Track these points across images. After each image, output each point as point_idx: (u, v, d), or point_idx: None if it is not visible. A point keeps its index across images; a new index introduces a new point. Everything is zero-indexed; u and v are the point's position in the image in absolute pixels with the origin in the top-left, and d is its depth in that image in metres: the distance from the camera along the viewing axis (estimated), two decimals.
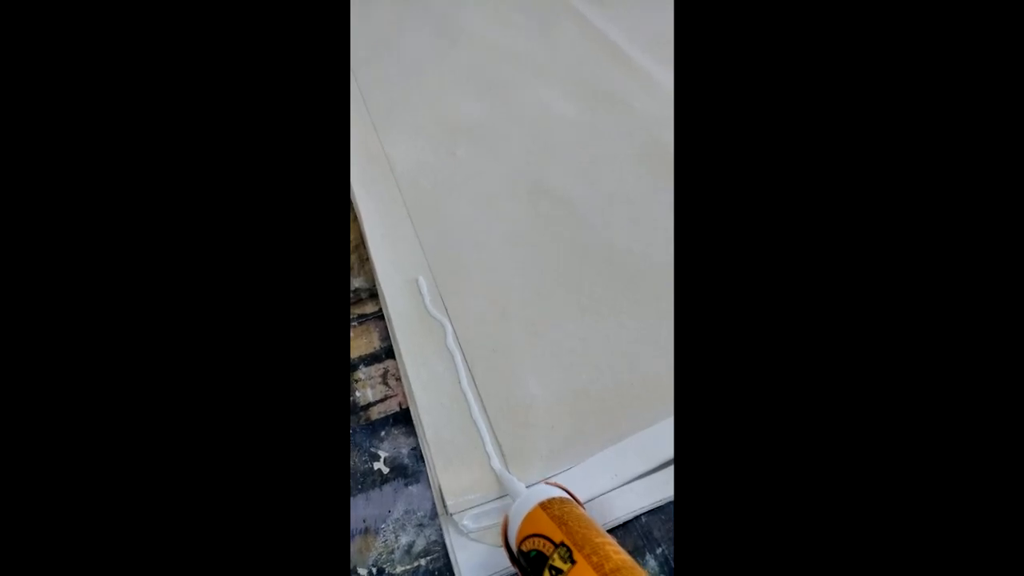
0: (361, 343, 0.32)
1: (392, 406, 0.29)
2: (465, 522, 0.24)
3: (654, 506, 0.25)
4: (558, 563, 0.19)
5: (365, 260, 0.35)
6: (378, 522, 0.25)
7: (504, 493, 0.24)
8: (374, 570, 0.24)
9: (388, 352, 0.31)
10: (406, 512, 0.25)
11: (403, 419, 0.28)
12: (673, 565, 0.23)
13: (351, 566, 0.24)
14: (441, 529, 0.25)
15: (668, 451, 0.26)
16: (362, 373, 0.30)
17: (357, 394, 0.30)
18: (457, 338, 0.31)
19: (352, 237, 0.37)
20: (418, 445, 0.27)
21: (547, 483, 0.23)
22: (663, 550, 0.24)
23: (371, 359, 0.31)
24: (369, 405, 0.29)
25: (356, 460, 0.27)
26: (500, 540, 0.22)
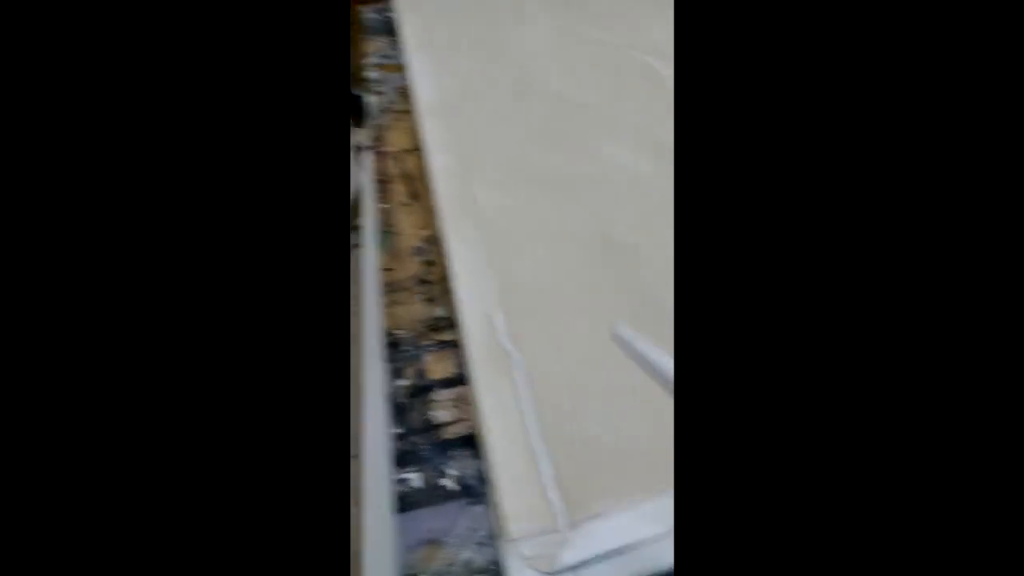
0: (439, 367, 0.35)
1: (462, 429, 0.32)
2: (524, 549, 0.26)
3: None
4: None
5: (448, 292, 0.39)
6: (442, 535, 0.28)
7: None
8: None
9: (462, 378, 0.34)
10: (469, 530, 0.28)
11: (472, 442, 0.31)
12: None
13: (414, 573, 0.26)
14: (501, 551, 0.27)
15: None
16: (438, 395, 0.33)
17: (432, 413, 0.33)
18: (526, 372, 0.33)
19: (439, 270, 0.41)
20: (484, 468, 0.30)
21: None
22: None
23: (447, 383, 0.34)
24: (442, 425, 0.32)
25: (428, 475, 0.30)
26: None
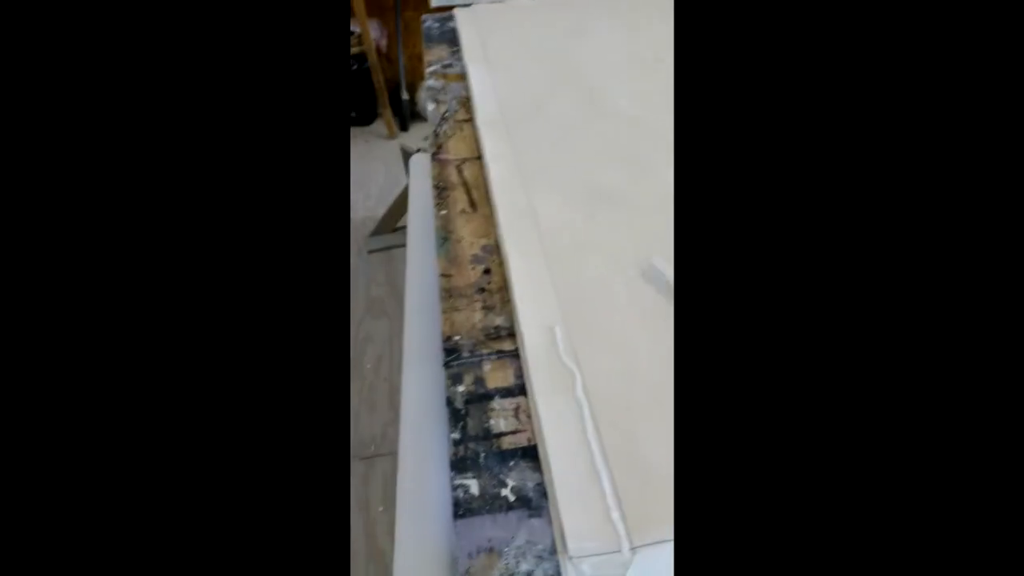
0: (498, 376, 0.35)
1: (521, 440, 0.32)
2: (584, 567, 0.26)
3: None
4: None
5: (507, 302, 0.39)
6: (501, 545, 0.28)
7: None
8: None
9: (521, 389, 0.34)
10: (528, 542, 0.28)
11: (531, 454, 0.31)
12: None
13: None
14: (559, 566, 0.27)
15: None
16: (496, 404, 0.34)
17: (491, 422, 0.33)
18: (586, 389, 0.33)
19: (498, 279, 0.41)
20: (543, 481, 0.30)
21: None
22: None
23: (505, 392, 0.34)
24: (501, 434, 0.32)
25: (486, 483, 0.30)
26: None
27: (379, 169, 1.54)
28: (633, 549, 0.26)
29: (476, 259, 0.43)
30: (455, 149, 0.54)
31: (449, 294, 0.40)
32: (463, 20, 0.73)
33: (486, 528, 0.28)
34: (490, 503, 0.29)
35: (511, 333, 0.38)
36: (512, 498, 0.29)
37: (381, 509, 0.89)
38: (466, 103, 0.60)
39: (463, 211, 0.47)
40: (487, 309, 0.39)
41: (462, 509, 0.29)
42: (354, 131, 1.70)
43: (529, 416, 0.33)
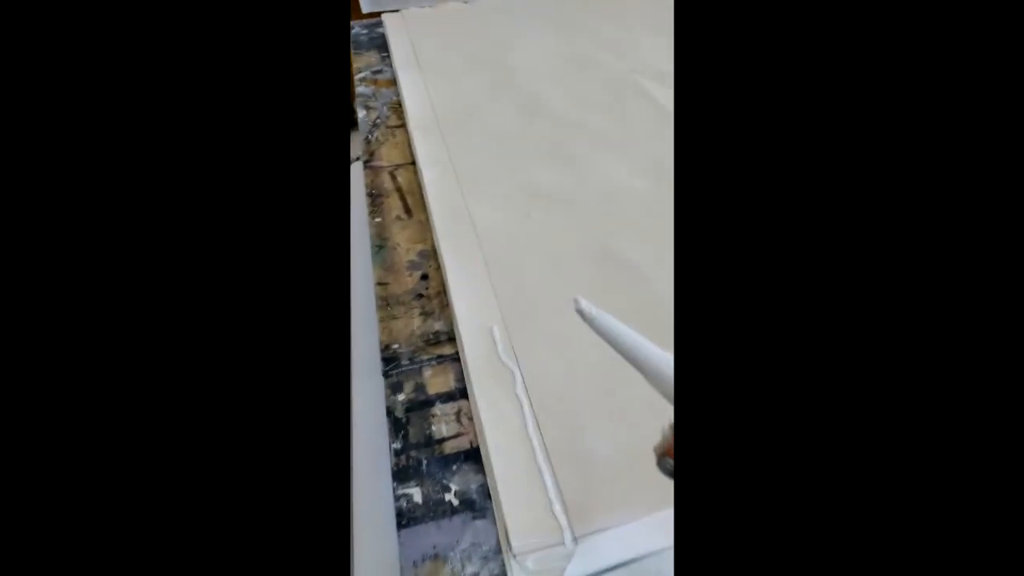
0: (438, 381, 0.35)
1: (464, 443, 0.32)
2: (528, 563, 0.26)
3: None
4: None
5: (445, 306, 0.39)
6: (446, 550, 0.27)
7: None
8: None
9: (462, 392, 0.34)
10: (473, 544, 0.28)
11: (473, 456, 0.31)
12: None
13: None
14: (506, 565, 0.27)
15: None
16: (438, 409, 0.33)
17: (433, 428, 0.32)
18: (526, 387, 0.33)
19: (435, 284, 0.41)
20: (486, 482, 0.30)
21: None
22: None
23: (447, 397, 0.34)
24: (443, 440, 0.32)
25: (429, 490, 0.30)
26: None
27: None
28: (576, 539, 0.27)
29: (413, 265, 0.43)
30: (388, 155, 0.53)
31: (386, 302, 0.40)
32: (392, 26, 0.72)
33: (431, 535, 0.28)
34: (434, 509, 0.29)
35: (451, 337, 0.37)
36: (456, 502, 0.29)
37: None
38: (397, 109, 0.59)
39: (398, 217, 0.47)
40: (426, 315, 0.39)
41: (405, 519, 0.29)
42: None
43: (471, 418, 0.33)
